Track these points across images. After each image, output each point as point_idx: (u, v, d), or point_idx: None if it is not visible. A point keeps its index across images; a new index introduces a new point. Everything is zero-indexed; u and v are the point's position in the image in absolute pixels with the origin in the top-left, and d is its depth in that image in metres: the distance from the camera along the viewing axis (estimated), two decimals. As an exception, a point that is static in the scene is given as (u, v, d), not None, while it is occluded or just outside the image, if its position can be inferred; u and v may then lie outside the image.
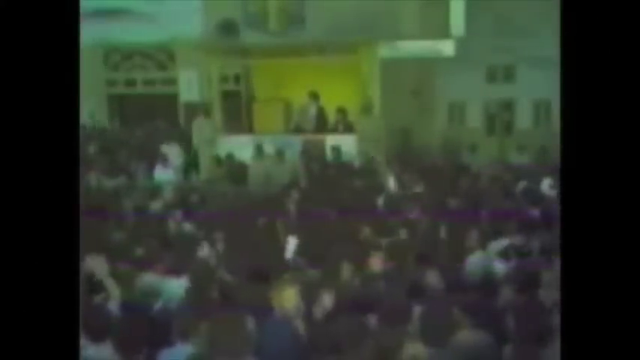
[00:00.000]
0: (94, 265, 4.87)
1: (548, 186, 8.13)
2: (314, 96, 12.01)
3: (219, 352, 3.62)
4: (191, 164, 11.44)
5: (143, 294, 5.05)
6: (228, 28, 11.94)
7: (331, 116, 12.08)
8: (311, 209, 7.47)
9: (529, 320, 4.00)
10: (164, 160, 10.71)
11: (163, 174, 10.50)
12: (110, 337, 4.02)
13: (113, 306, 4.64)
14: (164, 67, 15.36)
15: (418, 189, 8.82)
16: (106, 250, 5.61)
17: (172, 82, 15.12)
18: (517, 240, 5.98)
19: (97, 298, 4.72)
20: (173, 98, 15.03)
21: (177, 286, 5.21)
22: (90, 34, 12.57)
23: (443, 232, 6.59)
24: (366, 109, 11.52)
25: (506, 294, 4.81)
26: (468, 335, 4.03)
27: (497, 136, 14.12)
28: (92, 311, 4.30)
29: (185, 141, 12.21)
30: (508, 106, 14.14)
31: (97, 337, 4.04)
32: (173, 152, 11.24)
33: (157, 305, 4.85)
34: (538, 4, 12.38)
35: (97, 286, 4.81)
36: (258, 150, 11.11)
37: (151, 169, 10.74)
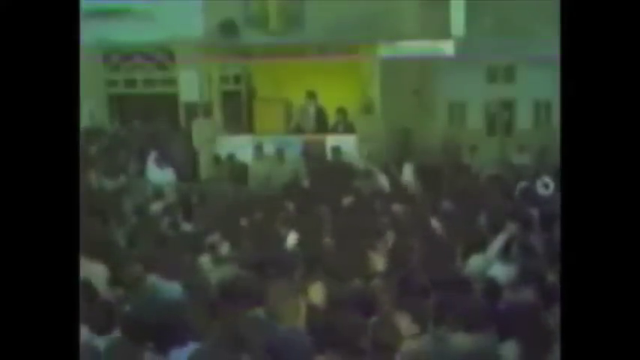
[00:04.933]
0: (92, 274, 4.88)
1: (542, 185, 8.12)
2: (311, 95, 12.00)
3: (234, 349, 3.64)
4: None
5: (147, 295, 5.05)
6: (228, 28, 11.93)
7: (331, 116, 12.08)
8: (311, 209, 7.47)
9: (529, 321, 4.00)
10: (159, 161, 10.66)
11: (160, 175, 10.46)
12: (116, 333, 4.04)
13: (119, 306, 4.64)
14: (164, 67, 15.35)
15: (417, 189, 8.82)
16: (107, 251, 5.63)
17: (172, 82, 15.10)
18: (516, 237, 5.97)
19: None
20: (173, 98, 15.01)
21: (177, 286, 5.21)
22: (90, 34, 12.56)
23: (442, 233, 6.59)
24: (367, 109, 11.52)
25: (507, 295, 4.81)
26: (467, 337, 4.04)
27: (497, 136, 14.11)
28: (97, 311, 4.32)
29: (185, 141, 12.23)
30: (508, 106, 14.13)
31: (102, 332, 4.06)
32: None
33: (162, 304, 4.83)
34: (538, 4, 12.37)
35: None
36: (258, 150, 11.10)
37: (152, 168, 10.72)
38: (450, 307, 4.25)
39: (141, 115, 14.41)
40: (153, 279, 5.32)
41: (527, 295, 4.68)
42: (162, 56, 15.30)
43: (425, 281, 4.83)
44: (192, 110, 13.67)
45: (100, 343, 4.01)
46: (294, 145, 11.32)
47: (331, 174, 10.00)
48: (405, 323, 4.09)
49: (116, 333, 4.12)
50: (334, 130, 11.79)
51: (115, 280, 5.32)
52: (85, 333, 4.07)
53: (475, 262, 5.69)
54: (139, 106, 15.04)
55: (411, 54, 12.02)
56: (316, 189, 8.93)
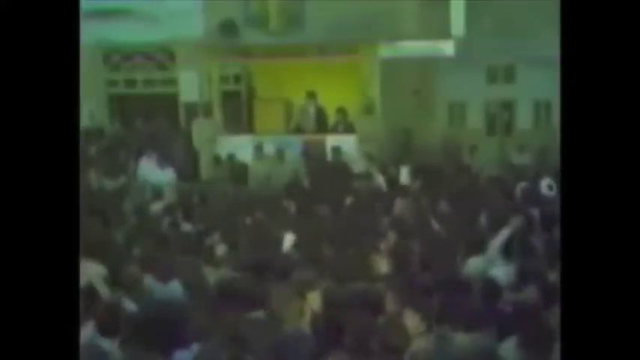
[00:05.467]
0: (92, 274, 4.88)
1: (546, 186, 8.12)
2: (311, 95, 12.00)
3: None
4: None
5: (146, 295, 5.05)
6: (228, 28, 11.93)
7: (331, 116, 12.08)
8: (311, 209, 7.47)
9: (529, 320, 4.00)
10: (159, 161, 10.63)
11: (160, 175, 10.43)
12: (120, 336, 4.03)
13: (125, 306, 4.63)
14: (164, 67, 15.33)
15: (417, 189, 8.82)
16: (107, 252, 5.62)
17: (172, 82, 15.09)
18: (519, 233, 5.97)
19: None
20: (173, 98, 15.00)
21: (178, 287, 5.21)
22: (90, 34, 12.55)
23: (443, 233, 6.59)
24: (368, 109, 11.52)
25: (507, 295, 4.81)
26: (468, 336, 4.04)
27: (497, 137, 14.10)
28: (97, 311, 4.31)
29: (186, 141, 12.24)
30: (508, 106, 14.13)
31: (107, 334, 4.05)
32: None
33: (162, 305, 4.82)
34: (538, 4, 12.36)
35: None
36: (259, 150, 11.10)
37: (151, 169, 10.69)
38: (451, 307, 4.25)
39: (141, 115, 14.39)
40: (153, 279, 5.31)
41: (528, 295, 4.69)
42: (163, 56, 15.28)
43: (427, 281, 4.84)
44: (192, 110, 13.66)
45: (104, 343, 4.01)
46: (294, 145, 11.32)
47: (331, 174, 10.00)
48: (407, 323, 4.09)
49: (116, 333, 4.11)
50: (334, 130, 11.79)
51: (114, 281, 5.31)
52: (85, 333, 4.07)
53: (476, 262, 5.69)
54: (139, 106, 15.01)
55: (411, 54, 12.02)
56: (316, 189, 8.93)
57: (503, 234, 5.86)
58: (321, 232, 6.45)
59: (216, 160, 11.28)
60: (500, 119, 14.19)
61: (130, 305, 4.68)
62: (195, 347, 3.98)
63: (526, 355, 3.81)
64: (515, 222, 5.98)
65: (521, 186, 8.35)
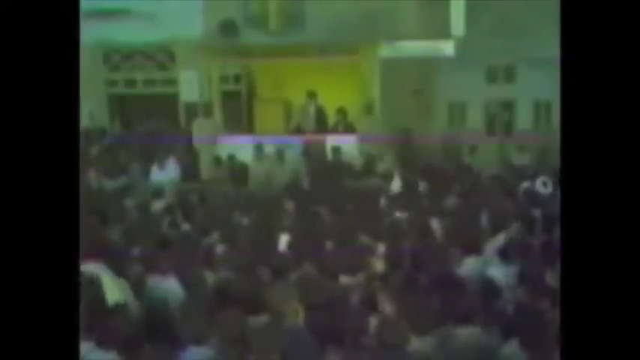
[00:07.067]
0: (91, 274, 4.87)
1: (541, 184, 8.11)
2: (311, 94, 12.02)
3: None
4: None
5: (147, 296, 5.06)
6: (228, 28, 11.94)
7: (331, 116, 12.09)
8: (311, 209, 7.46)
9: (529, 321, 4.00)
10: (161, 163, 10.64)
11: (160, 174, 10.45)
12: (116, 340, 4.01)
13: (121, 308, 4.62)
14: (164, 67, 15.33)
15: (418, 189, 8.81)
16: (106, 252, 5.62)
17: (172, 82, 15.09)
18: (517, 238, 5.97)
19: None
20: (173, 98, 15.01)
21: (178, 287, 5.20)
22: (90, 34, 12.55)
23: (443, 233, 6.59)
24: (368, 109, 11.52)
25: (507, 295, 4.81)
26: (468, 334, 4.04)
27: (497, 137, 14.12)
28: (97, 313, 4.29)
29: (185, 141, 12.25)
30: (508, 106, 14.15)
31: (102, 340, 4.03)
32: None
33: (162, 307, 4.82)
34: (538, 4, 12.37)
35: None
36: (259, 150, 11.11)
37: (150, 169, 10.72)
38: (449, 308, 4.25)
39: (141, 115, 14.40)
40: (153, 279, 5.32)
41: (528, 295, 4.68)
42: (163, 56, 15.29)
43: (426, 281, 4.84)
44: (192, 110, 13.67)
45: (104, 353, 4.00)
46: (294, 145, 11.32)
47: (331, 174, 10.00)
48: (405, 323, 4.09)
49: (117, 337, 4.10)
50: (334, 130, 11.80)
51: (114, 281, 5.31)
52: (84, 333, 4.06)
53: (476, 262, 5.69)
54: (139, 106, 15.03)
55: (411, 54, 12.03)
56: (316, 189, 8.93)
57: (499, 239, 5.88)
58: (321, 232, 6.45)
59: (216, 160, 11.29)
60: (500, 119, 14.21)
61: (130, 306, 4.67)
62: (194, 348, 3.98)
63: (526, 355, 3.81)
64: (512, 228, 6.00)
65: (523, 186, 8.35)
